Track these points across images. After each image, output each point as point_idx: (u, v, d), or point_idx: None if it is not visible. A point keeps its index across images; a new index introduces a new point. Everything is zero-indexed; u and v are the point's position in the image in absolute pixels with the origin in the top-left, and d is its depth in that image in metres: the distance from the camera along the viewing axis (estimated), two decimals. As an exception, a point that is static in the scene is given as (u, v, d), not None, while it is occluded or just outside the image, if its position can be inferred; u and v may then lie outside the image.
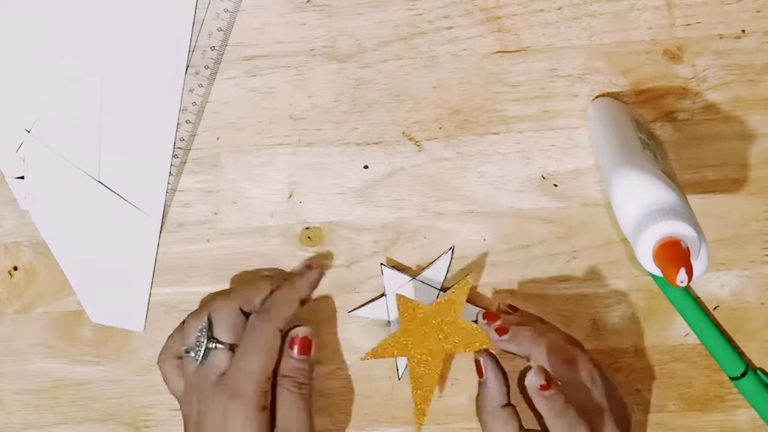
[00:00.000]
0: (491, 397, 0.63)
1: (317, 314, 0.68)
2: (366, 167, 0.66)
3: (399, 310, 0.65)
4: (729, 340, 0.68)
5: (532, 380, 0.59)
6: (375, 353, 0.66)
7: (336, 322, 0.69)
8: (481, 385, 0.64)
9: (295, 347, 0.64)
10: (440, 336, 0.65)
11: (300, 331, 0.64)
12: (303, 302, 0.65)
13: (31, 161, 0.65)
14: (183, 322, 0.65)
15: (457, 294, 0.65)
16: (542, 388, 0.59)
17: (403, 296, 0.65)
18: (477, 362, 0.64)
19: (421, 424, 0.66)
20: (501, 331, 0.64)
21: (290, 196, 0.66)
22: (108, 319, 0.69)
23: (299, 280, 0.65)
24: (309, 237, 0.67)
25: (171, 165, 0.65)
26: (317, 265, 0.67)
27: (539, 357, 0.63)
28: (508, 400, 0.63)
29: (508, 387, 0.64)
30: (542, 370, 0.60)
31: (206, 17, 0.63)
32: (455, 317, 0.65)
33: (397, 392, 0.69)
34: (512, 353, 0.65)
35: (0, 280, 0.69)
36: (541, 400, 0.60)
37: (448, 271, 0.67)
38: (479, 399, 0.64)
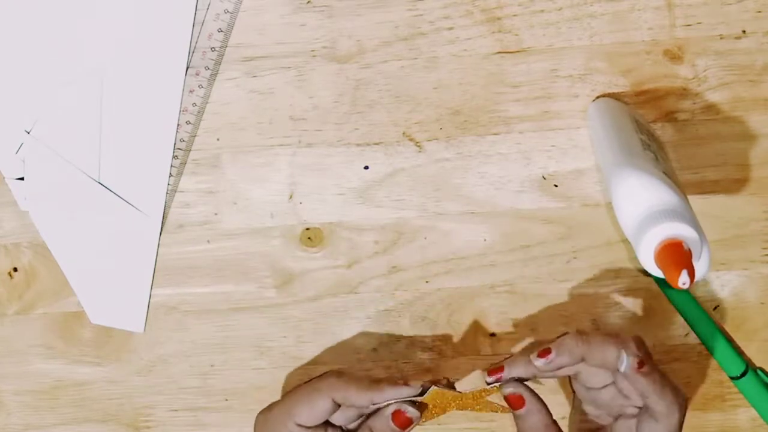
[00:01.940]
0: (539, 421, 0.60)
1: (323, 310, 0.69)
2: (366, 168, 0.66)
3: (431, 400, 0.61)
4: (729, 340, 0.68)
5: (628, 363, 0.57)
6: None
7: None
8: (521, 417, 0.60)
9: (398, 419, 0.60)
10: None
11: (410, 412, 0.60)
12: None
13: (31, 162, 0.65)
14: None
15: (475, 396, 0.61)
16: (640, 365, 0.57)
17: (439, 389, 0.60)
18: (509, 397, 0.60)
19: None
20: (544, 353, 0.59)
21: (290, 197, 0.66)
22: (108, 319, 0.69)
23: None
24: (309, 238, 0.67)
25: (171, 166, 0.65)
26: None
27: (596, 354, 0.58)
28: (553, 418, 0.60)
29: (547, 409, 0.61)
30: (630, 352, 0.57)
31: (206, 18, 0.63)
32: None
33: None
34: (559, 376, 0.60)
35: (0, 281, 0.68)
36: (642, 380, 0.57)
37: None
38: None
